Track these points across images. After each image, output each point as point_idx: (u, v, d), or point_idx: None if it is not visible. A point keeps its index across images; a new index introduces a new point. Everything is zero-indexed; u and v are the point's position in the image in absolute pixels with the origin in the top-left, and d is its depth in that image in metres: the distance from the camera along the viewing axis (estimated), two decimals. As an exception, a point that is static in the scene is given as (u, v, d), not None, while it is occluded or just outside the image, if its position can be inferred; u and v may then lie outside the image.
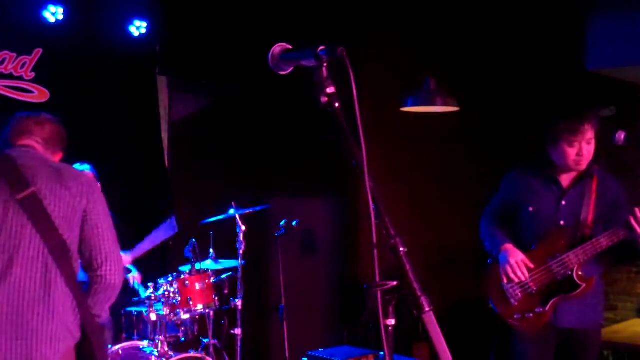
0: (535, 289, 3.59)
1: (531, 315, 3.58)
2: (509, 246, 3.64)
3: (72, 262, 2.72)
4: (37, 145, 2.95)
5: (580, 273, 3.54)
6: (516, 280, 3.59)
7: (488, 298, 3.73)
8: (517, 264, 3.56)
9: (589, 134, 3.53)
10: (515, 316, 3.61)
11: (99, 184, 2.88)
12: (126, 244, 5.05)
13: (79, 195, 2.77)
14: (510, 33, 6.53)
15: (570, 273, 3.54)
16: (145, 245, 4.64)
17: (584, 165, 3.59)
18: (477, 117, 6.63)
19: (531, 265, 3.58)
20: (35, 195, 2.68)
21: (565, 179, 3.67)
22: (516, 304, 3.61)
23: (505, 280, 3.61)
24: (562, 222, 3.62)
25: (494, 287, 3.69)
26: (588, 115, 3.56)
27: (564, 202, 3.63)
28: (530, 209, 3.67)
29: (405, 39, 6.54)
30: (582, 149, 3.53)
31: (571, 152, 3.54)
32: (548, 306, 3.57)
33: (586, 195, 3.62)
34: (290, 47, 1.87)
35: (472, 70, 6.68)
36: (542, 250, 3.60)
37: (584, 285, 3.55)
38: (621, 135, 3.46)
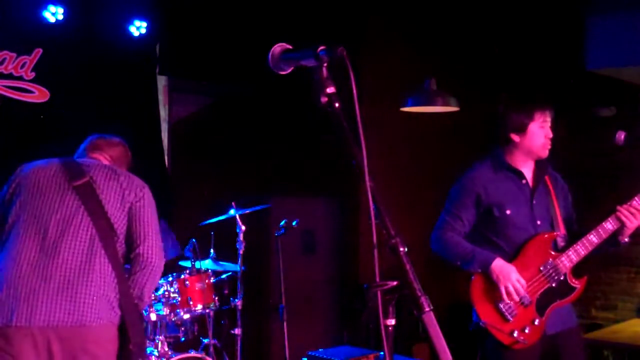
0: (532, 300, 3.39)
1: (529, 329, 3.37)
2: (501, 262, 3.39)
3: (116, 244, 3.04)
4: (105, 160, 3.33)
5: (572, 275, 3.45)
6: (517, 299, 3.37)
7: (478, 318, 3.43)
8: (518, 281, 3.35)
9: (551, 117, 3.50)
10: (514, 334, 3.36)
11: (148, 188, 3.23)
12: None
13: (128, 189, 3.12)
14: (510, 33, 6.54)
15: (563, 277, 3.42)
16: None
17: (547, 152, 3.51)
18: (477, 117, 6.63)
19: (524, 277, 3.38)
20: (89, 183, 3.06)
21: (528, 176, 3.54)
22: (512, 319, 3.37)
23: (506, 299, 3.36)
24: (538, 222, 3.48)
25: (485, 305, 3.42)
26: (545, 98, 3.55)
27: (535, 201, 3.50)
28: (508, 211, 3.45)
29: (405, 39, 6.54)
30: (549, 132, 3.47)
31: (541, 134, 3.45)
32: (545, 315, 3.41)
33: (548, 193, 3.54)
34: (290, 47, 1.87)
35: (472, 70, 6.68)
36: (530, 257, 3.42)
37: (579, 286, 3.46)
38: (621, 135, 3.43)
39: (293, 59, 1.85)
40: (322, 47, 1.77)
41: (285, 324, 4.73)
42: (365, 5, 6.33)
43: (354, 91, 1.72)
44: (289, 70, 1.88)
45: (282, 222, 4.77)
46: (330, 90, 1.77)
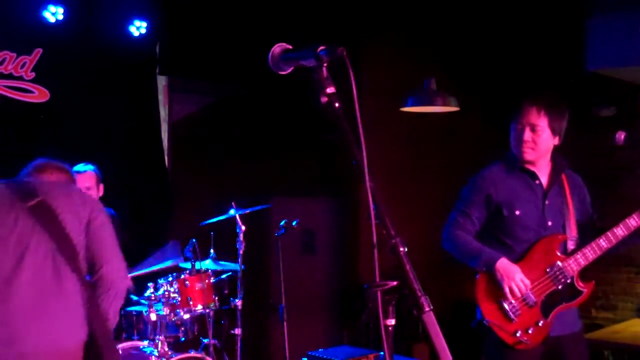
0: (537, 301, 3.37)
1: (532, 330, 3.35)
2: (505, 262, 3.37)
3: (80, 263, 2.91)
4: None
5: (579, 279, 3.43)
6: (520, 298, 3.35)
7: (481, 316, 3.41)
8: (522, 281, 3.33)
9: (533, 119, 3.36)
10: (517, 334, 3.33)
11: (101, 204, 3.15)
12: (124, 244, 5.06)
13: (82, 205, 3.00)
14: (510, 33, 6.53)
15: (570, 281, 3.40)
16: (146, 266, 4.61)
17: (527, 154, 3.41)
18: (477, 117, 6.63)
19: (530, 278, 3.36)
20: (44, 202, 2.91)
21: (542, 176, 3.50)
22: (516, 320, 3.35)
23: (510, 299, 3.34)
24: (549, 223, 3.44)
25: (489, 304, 3.39)
26: (537, 98, 3.41)
27: (547, 202, 3.46)
28: (517, 211, 3.42)
29: (405, 39, 6.54)
30: (524, 134, 3.38)
31: (515, 136, 3.41)
32: (550, 317, 3.38)
33: (563, 194, 3.49)
34: (290, 47, 1.87)
35: (472, 70, 6.68)
36: (537, 259, 3.40)
37: (586, 290, 3.43)
38: (621, 135, 3.42)
39: (293, 59, 1.85)
40: (322, 47, 1.76)
41: (285, 324, 4.72)
42: (365, 5, 6.33)
43: (354, 91, 1.72)
44: (289, 70, 1.88)
45: (282, 222, 4.76)
46: (330, 90, 1.77)
